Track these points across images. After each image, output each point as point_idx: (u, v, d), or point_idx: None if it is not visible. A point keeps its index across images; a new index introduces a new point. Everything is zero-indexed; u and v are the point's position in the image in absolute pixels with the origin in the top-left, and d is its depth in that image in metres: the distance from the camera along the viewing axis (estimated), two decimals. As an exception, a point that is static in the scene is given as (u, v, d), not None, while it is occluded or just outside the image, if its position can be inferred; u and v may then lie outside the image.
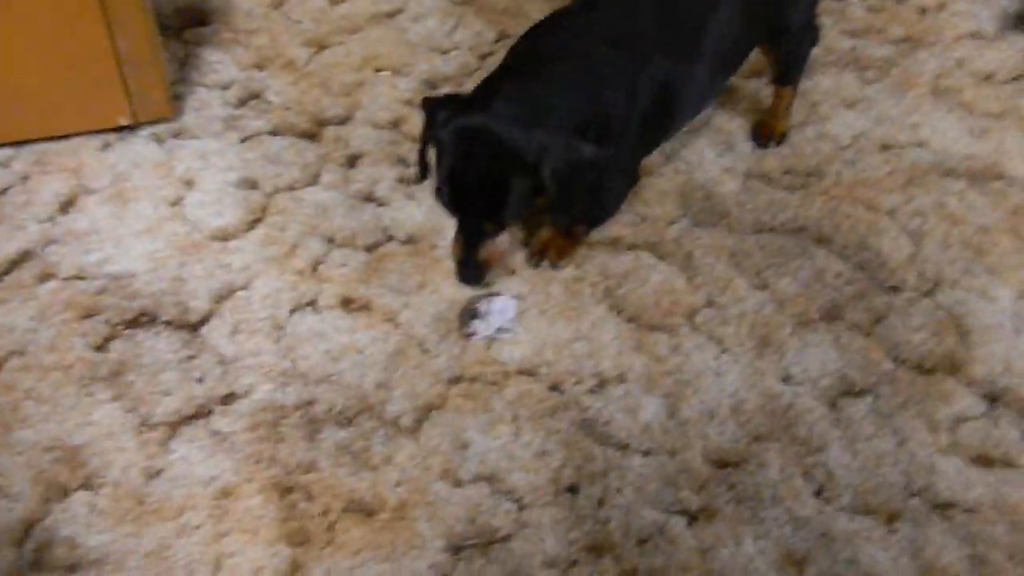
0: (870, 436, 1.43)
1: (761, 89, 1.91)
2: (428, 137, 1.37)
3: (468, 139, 1.31)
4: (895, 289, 1.61)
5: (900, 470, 1.39)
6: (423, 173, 1.45)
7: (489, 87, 1.38)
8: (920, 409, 1.45)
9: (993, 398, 1.47)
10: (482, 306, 1.53)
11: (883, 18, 2.08)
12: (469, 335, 1.51)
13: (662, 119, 1.53)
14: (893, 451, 1.41)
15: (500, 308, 1.54)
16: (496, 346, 1.52)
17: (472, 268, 1.40)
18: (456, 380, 1.48)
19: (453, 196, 1.34)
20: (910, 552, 1.31)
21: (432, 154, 1.37)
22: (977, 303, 1.58)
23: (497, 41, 1.98)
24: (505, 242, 1.42)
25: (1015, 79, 1.98)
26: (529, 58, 1.43)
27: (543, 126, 1.30)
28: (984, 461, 1.40)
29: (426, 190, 1.72)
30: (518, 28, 1.99)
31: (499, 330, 1.52)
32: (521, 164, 1.30)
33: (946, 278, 1.62)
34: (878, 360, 1.51)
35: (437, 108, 1.35)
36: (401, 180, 1.74)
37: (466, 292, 1.55)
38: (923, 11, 2.11)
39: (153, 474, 1.36)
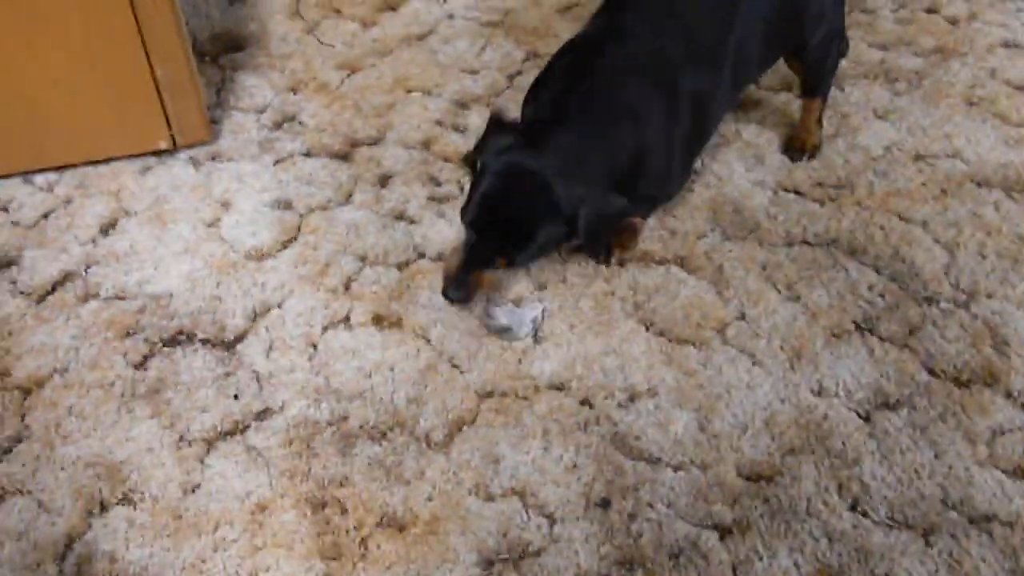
0: (906, 449, 1.41)
1: (791, 102, 1.91)
2: (477, 156, 1.43)
3: (513, 175, 1.39)
4: (930, 300, 1.59)
5: (937, 483, 1.37)
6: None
7: (542, 130, 1.43)
8: (957, 421, 1.43)
9: (1032, 410, 1.44)
10: (513, 306, 1.56)
11: (912, 30, 2.07)
12: (489, 325, 1.54)
13: (699, 131, 1.58)
14: (930, 464, 1.39)
15: (530, 314, 1.56)
16: (527, 360, 1.53)
17: (463, 287, 1.45)
18: (487, 395, 1.49)
19: (479, 220, 1.40)
20: (948, 566, 1.29)
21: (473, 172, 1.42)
22: (1015, 313, 1.56)
23: (526, 60, 2.01)
24: (500, 274, 1.45)
25: (1050, 87, 1.95)
26: (572, 104, 1.46)
27: (585, 179, 1.38)
28: (1023, 473, 1.37)
29: (457, 209, 1.74)
30: (546, 48, 2.03)
31: (510, 331, 1.54)
32: (556, 214, 1.38)
33: (982, 289, 1.60)
34: (913, 372, 1.50)
35: (495, 131, 1.43)
36: (432, 199, 1.76)
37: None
38: (954, 22, 2.09)
39: (191, 489, 1.38)
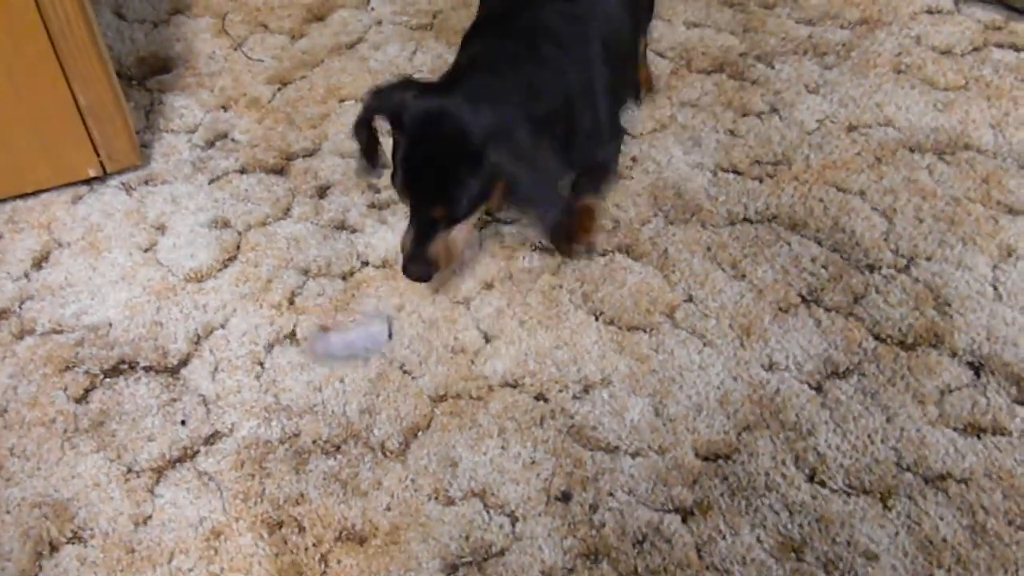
0: (858, 416, 1.42)
1: (723, 82, 1.92)
2: (379, 115, 1.39)
3: (426, 122, 1.34)
4: (872, 268, 1.60)
5: (891, 447, 1.38)
6: (371, 162, 1.48)
7: (454, 78, 1.43)
8: (906, 384, 1.45)
9: (978, 366, 1.46)
10: (349, 327, 1.52)
11: (837, 3, 2.09)
12: (315, 352, 1.50)
13: (620, 66, 1.62)
14: (882, 428, 1.40)
15: (369, 333, 1.52)
16: (479, 360, 1.52)
17: (421, 263, 1.41)
18: (440, 399, 1.47)
19: (406, 180, 1.37)
20: (908, 528, 1.30)
21: (387, 140, 1.41)
22: (954, 273, 1.58)
23: (457, 61, 2.00)
24: (460, 241, 1.42)
25: (975, 50, 1.98)
26: (484, 57, 1.47)
27: (496, 111, 1.33)
28: (974, 430, 1.39)
29: (398, 215, 1.73)
30: (477, 46, 2.02)
31: (352, 354, 1.51)
32: (470, 148, 1.32)
33: (921, 252, 1.62)
34: (860, 339, 1.51)
35: (394, 90, 1.38)
36: (372, 206, 1.74)
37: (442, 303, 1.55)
38: (877, -8, 2.12)
39: (142, 521, 1.35)
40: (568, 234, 1.63)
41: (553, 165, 1.40)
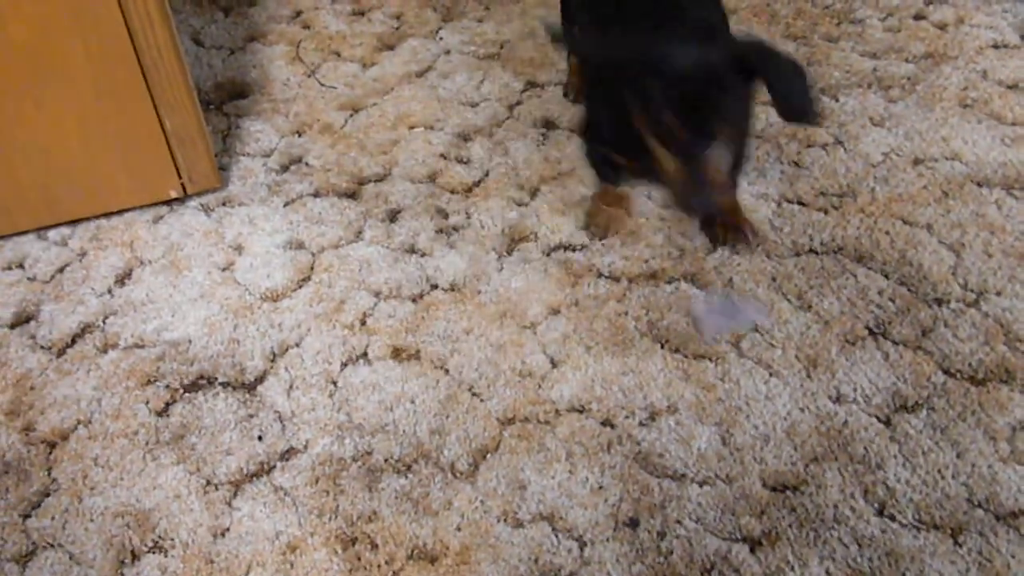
0: (928, 450, 1.41)
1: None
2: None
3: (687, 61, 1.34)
4: (940, 301, 1.60)
5: (961, 482, 1.37)
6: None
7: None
8: (977, 419, 1.44)
9: (1051, 404, 1.45)
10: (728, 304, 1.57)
11: (902, 37, 2.10)
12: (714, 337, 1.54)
13: None
14: (952, 464, 1.39)
15: (755, 307, 1.55)
16: (546, 385, 1.54)
17: (702, 189, 1.35)
18: (509, 421, 1.50)
19: (675, 115, 1.34)
20: (978, 565, 1.29)
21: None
22: (1025, 309, 1.57)
23: (524, 91, 2.04)
24: (727, 163, 1.39)
25: (1042, 85, 1.98)
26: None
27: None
28: (1048, 468, 1.38)
29: (467, 240, 1.76)
30: (545, 77, 2.07)
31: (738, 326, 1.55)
32: (730, 63, 1.33)
33: (990, 287, 1.61)
34: (929, 373, 1.51)
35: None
36: (440, 231, 1.79)
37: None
38: (942, 27, 2.13)
39: (220, 533, 1.39)
40: (731, 235, 1.69)
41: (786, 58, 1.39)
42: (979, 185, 1.78)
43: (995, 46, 2.08)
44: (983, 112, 1.92)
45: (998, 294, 1.60)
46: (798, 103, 1.37)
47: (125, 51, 1.60)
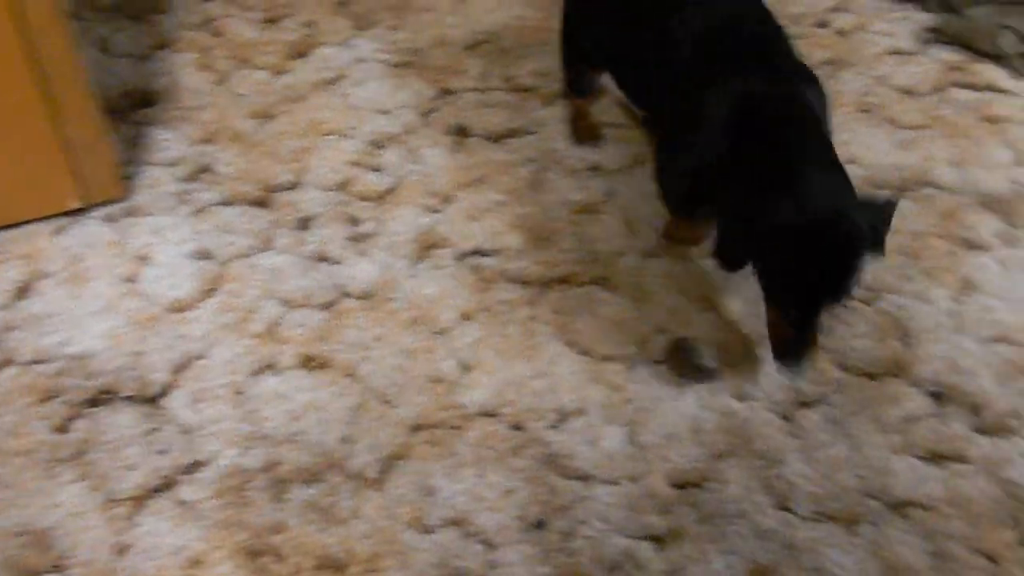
0: (825, 444, 1.46)
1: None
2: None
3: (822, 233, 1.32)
4: (838, 300, 1.66)
5: (856, 474, 1.42)
6: None
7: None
8: (871, 413, 1.49)
9: (939, 396, 1.51)
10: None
11: (806, 44, 2.16)
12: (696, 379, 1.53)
13: None
14: (848, 456, 1.44)
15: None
16: (456, 390, 1.55)
17: (807, 348, 1.36)
18: (419, 428, 1.50)
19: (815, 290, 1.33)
20: (872, 554, 1.34)
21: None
22: (916, 306, 1.63)
23: (437, 98, 2.05)
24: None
25: (936, 90, 2.06)
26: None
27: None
28: (936, 458, 1.44)
29: (379, 247, 1.76)
30: (459, 84, 2.07)
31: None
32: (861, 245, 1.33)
33: (885, 285, 1.67)
34: (828, 370, 1.56)
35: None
36: (352, 238, 1.78)
37: None
38: (843, 33, 2.20)
39: (122, 550, 1.36)
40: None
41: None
42: (876, 188, 1.84)
43: (893, 52, 2.16)
44: (881, 117, 1.99)
45: (892, 292, 1.66)
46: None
47: (17, 61, 1.55)
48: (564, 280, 1.71)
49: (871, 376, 1.54)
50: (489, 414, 1.52)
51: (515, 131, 1.97)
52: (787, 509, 1.39)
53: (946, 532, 1.36)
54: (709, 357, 1.54)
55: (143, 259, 1.73)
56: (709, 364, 1.54)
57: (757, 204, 1.35)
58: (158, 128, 2.00)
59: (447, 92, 2.06)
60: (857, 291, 1.37)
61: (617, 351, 1.60)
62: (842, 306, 1.36)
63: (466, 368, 1.58)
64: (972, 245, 1.73)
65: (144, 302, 1.66)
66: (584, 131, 1.95)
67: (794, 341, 1.36)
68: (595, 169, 1.90)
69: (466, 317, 1.65)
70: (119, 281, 1.70)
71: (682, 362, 1.55)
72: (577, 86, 1.91)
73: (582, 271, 1.72)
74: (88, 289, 1.68)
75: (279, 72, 2.12)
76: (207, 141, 1.96)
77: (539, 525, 1.39)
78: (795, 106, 1.44)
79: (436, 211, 1.83)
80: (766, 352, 1.47)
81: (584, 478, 1.44)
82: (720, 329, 1.62)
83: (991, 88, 2.06)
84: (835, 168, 1.41)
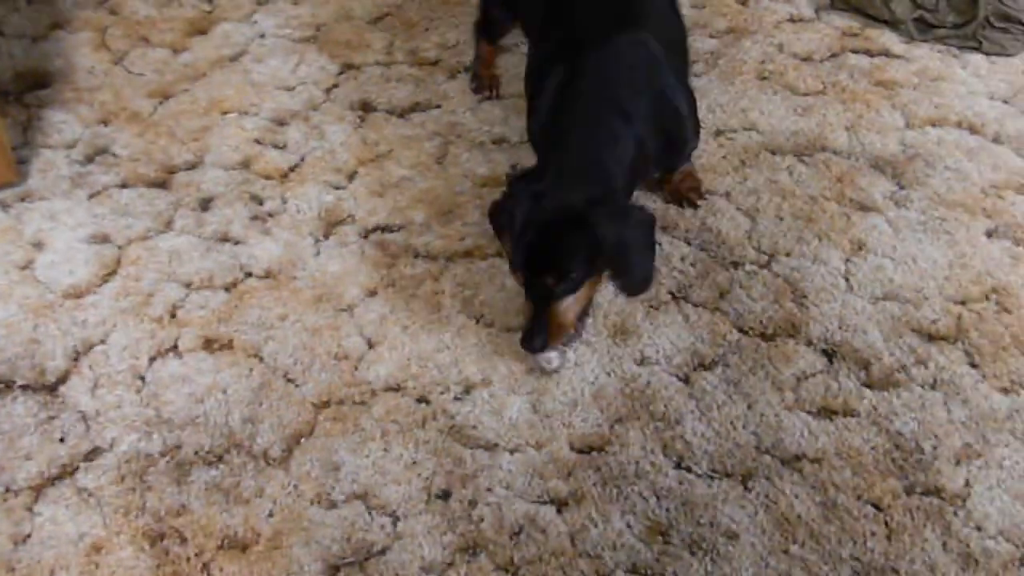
0: (722, 404, 1.50)
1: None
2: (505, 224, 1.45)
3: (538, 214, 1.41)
4: (736, 264, 1.70)
5: (751, 431, 1.47)
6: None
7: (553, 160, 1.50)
8: (766, 372, 1.54)
9: (831, 353, 1.56)
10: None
11: (706, 13, 2.20)
12: (550, 368, 1.54)
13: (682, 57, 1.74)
14: (744, 415, 1.49)
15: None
16: (362, 366, 1.55)
17: (540, 334, 1.41)
18: (324, 405, 1.50)
19: (526, 260, 1.42)
20: (766, 507, 1.38)
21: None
22: (810, 268, 1.68)
23: (340, 73, 2.03)
24: (572, 313, 1.44)
25: (832, 56, 2.11)
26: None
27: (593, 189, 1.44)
28: (827, 412, 1.49)
29: (282, 226, 1.75)
30: (362, 59, 2.06)
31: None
32: (578, 225, 1.39)
33: (781, 248, 1.72)
34: (725, 332, 1.60)
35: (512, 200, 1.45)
36: (255, 217, 1.76)
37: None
38: (743, 2, 2.23)
39: (21, 540, 1.34)
40: (680, 198, 1.78)
41: (646, 229, 1.49)
42: (773, 153, 1.89)
43: (791, 20, 2.20)
44: (779, 84, 2.04)
45: (787, 255, 1.71)
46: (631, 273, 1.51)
47: None
48: (468, 254, 1.71)
49: (767, 337, 1.59)
50: (394, 388, 1.53)
51: (420, 105, 1.97)
52: (685, 468, 1.43)
53: (836, 484, 1.41)
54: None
55: (38, 245, 1.69)
56: None
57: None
58: (53, 110, 1.95)
59: (350, 67, 2.04)
60: (575, 278, 1.42)
61: (520, 322, 1.61)
62: (562, 290, 1.41)
63: (371, 344, 1.58)
64: (864, 207, 1.79)
65: (40, 289, 1.63)
66: (485, 79, 2.01)
67: (532, 323, 1.43)
68: (500, 142, 1.91)
69: (371, 293, 1.65)
70: (13, 268, 1.66)
71: None
72: (489, 31, 1.99)
73: (487, 244, 1.73)
74: (-21, 278, 1.63)
75: (178, 50, 2.07)
76: (103, 122, 1.92)
77: (444, 495, 1.40)
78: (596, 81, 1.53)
79: (340, 188, 1.82)
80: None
81: (489, 447, 1.46)
82: (620, 295, 1.65)
83: (885, 53, 2.11)
84: (604, 154, 1.50)
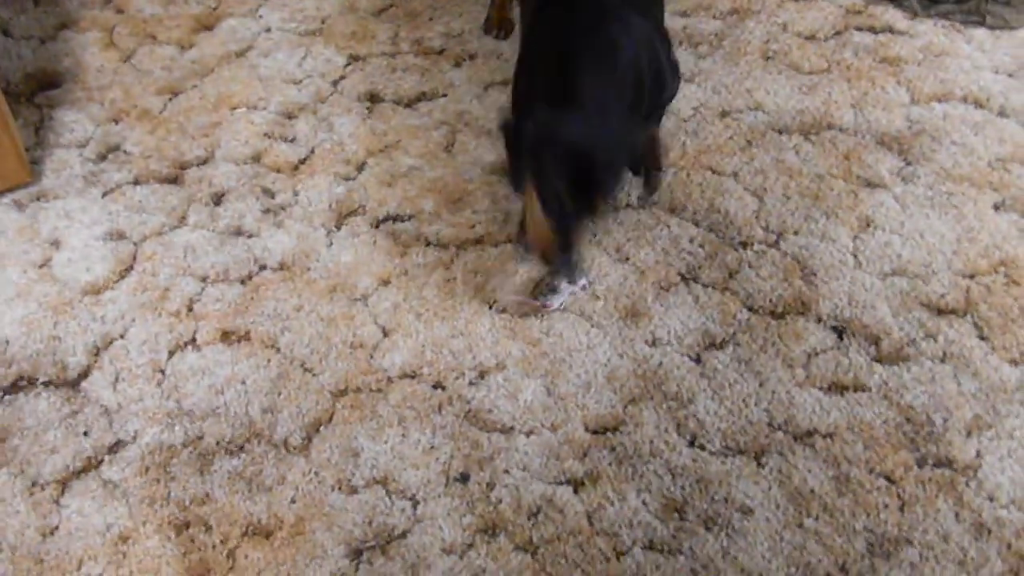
0: (734, 382, 1.52)
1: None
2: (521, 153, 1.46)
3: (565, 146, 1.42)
4: (744, 244, 1.71)
5: (763, 409, 1.49)
6: (518, 185, 1.52)
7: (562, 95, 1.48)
8: (776, 350, 1.56)
9: (841, 330, 1.58)
10: (557, 282, 1.60)
11: (710, -5, 2.20)
12: (546, 305, 1.59)
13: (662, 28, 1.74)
14: (755, 392, 1.50)
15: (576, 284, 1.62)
16: (377, 354, 1.57)
17: (567, 248, 1.46)
18: (341, 393, 1.53)
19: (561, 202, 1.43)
20: (779, 482, 1.40)
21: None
22: (819, 245, 1.70)
23: (347, 65, 2.04)
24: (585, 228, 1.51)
25: (836, 34, 2.11)
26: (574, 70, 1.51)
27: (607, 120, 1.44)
28: (837, 388, 1.51)
29: (294, 218, 1.77)
30: (367, 50, 2.07)
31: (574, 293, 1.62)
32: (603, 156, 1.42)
33: (789, 227, 1.73)
34: (735, 311, 1.61)
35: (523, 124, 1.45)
36: (267, 211, 1.78)
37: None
38: (746, -17, 2.24)
39: (49, 532, 1.37)
40: (646, 168, 1.74)
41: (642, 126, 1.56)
42: (779, 132, 1.90)
43: None
44: (783, 63, 2.04)
45: (795, 233, 1.72)
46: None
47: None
48: (479, 241, 1.73)
49: (777, 315, 1.60)
50: (410, 375, 1.55)
51: (426, 94, 1.98)
52: (699, 446, 1.45)
53: (848, 458, 1.43)
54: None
55: (55, 243, 1.72)
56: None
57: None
58: (64, 110, 1.96)
59: (356, 59, 2.05)
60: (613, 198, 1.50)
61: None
62: (595, 211, 1.47)
63: (386, 332, 1.60)
64: (871, 184, 1.80)
65: (58, 286, 1.65)
66: (499, 22, 2.06)
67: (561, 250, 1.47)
68: (507, 129, 1.92)
69: (384, 282, 1.67)
70: (31, 267, 1.68)
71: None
72: None
73: (497, 231, 1.75)
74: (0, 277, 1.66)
75: (185, 47, 2.09)
76: (115, 120, 1.94)
77: (462, 478, 1.43)
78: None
79: (350, 179, 1.83)
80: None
81: (504, 430, 1.48)
82: (630, 277, 1.67)
83: (889, 30, 2.12)
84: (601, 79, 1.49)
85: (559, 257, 1.47)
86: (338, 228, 1.76)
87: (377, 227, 1.76)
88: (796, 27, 2.13)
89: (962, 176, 1.80)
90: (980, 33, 2.09)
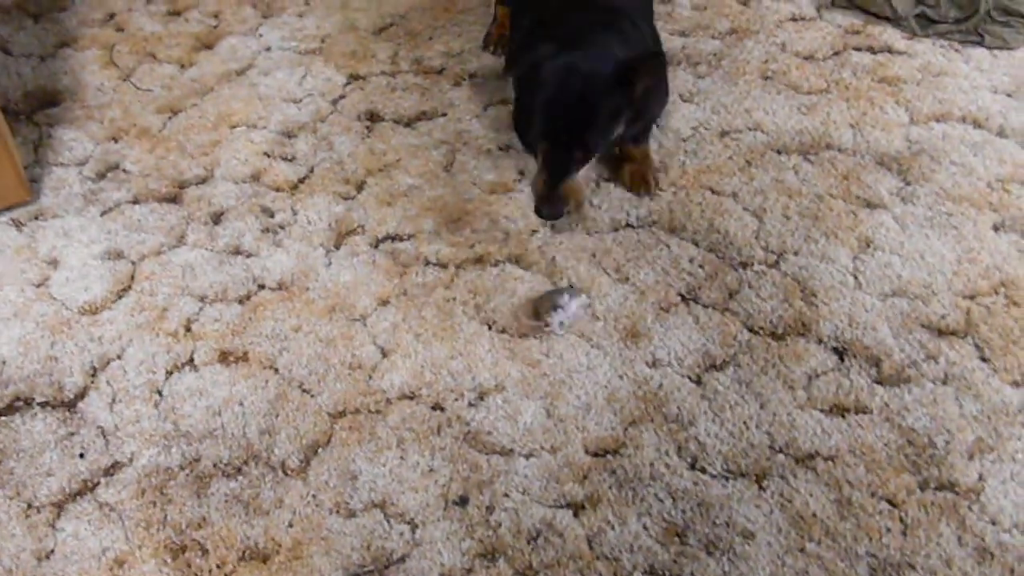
0: (735, 404, 1.51)
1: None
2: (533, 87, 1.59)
3: (564, 74, 1.56)
4: (744, 265, 1.71)
5: (764, 431, 1.48)
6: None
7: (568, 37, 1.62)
8: (777, 372, 1.55)
9: (842, 351, 1.57)
10: (561, 300, 1.61)
11: (708, 15, 2.21)
12: (547, 325, 1.60)
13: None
14: (756, 414, 1.50)
15: (577, 303, 1.62)
16: (376, 375, 1.56)
17: (555, 201, 1.58)
18: (340, 415, 1.52)
19: (549, 126, 1.58)
20: (781, 506, 1.39)
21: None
22: (819, 266, 1.69)
23: (347, 84, 2.04)
24: (584, 180, 1.60)
25: (835, 54, 2.12)
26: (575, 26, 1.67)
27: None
28: (839, 410, 1.50)
29: (293, 237, 1.76)
30: (367, 69, 2.07)
31: (575, 316, 1.62)
32: (605, 89, 1.57)
33: (789, 247, 1.73)
34: (735, 332, 1.61)
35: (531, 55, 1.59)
36: (266, 230, 1.78)
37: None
38: (745, 2, 2.25)
39: (44, 556, 1.35)
40: (639, 183, 1.83)
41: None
42: (778, 152, 1.90)
43: (793, 19, 2.21)
44: (782, 83, 2.05)
45: (795, 254, 1.72)
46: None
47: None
48: (479, 260, 1.73)
49: (777, 336, 1.60)
50: (409, 396, 1.54)
51: (426, 113, 1.98)
52: (700, 469, 1.44)
53: (850, 481, 1.42)
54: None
55: (52, 262, 1.71)
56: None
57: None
58: (63, 128, 1.96)
59: (356, 78, 2.06)
60: (605, 140, 1.62)
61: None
62: (586, 151, 1.60)
63: (385, 353, 1.60)
64: (871, 204, 1.80)
65: (56, 306, 1.65)
66: (498, 39, 2.13)
67: (548, 191, 1.60)
68: (506, 148, 1.92)
69: (383, 302, 1.67)
70: (29, 286, 1.67)
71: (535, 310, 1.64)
72: None
73: (496, 250, 1.74)
74: (-4, 296, 1.65)
75: (185, 65, 2.09)
76: (114, 139, 1.94)
77: (461, 501, 1.42)
78: None
79: (350, 198, 1.83)
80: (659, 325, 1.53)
81: (504, 453, 1.47)
82: (630, 298, 1.66)
83: (888, 50, 2.12)
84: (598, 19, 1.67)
85: (549, 193, 1.57)
86: (337, 248, 1.75)
87: (376, 247, 1.75)
88: (795, 47, 2.13)
89: (962, 196, 1.80)
90: (979, 53, 2.10)
